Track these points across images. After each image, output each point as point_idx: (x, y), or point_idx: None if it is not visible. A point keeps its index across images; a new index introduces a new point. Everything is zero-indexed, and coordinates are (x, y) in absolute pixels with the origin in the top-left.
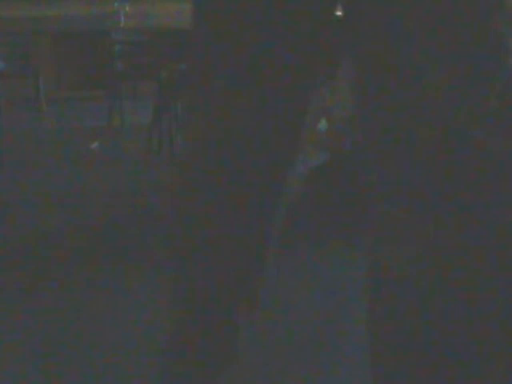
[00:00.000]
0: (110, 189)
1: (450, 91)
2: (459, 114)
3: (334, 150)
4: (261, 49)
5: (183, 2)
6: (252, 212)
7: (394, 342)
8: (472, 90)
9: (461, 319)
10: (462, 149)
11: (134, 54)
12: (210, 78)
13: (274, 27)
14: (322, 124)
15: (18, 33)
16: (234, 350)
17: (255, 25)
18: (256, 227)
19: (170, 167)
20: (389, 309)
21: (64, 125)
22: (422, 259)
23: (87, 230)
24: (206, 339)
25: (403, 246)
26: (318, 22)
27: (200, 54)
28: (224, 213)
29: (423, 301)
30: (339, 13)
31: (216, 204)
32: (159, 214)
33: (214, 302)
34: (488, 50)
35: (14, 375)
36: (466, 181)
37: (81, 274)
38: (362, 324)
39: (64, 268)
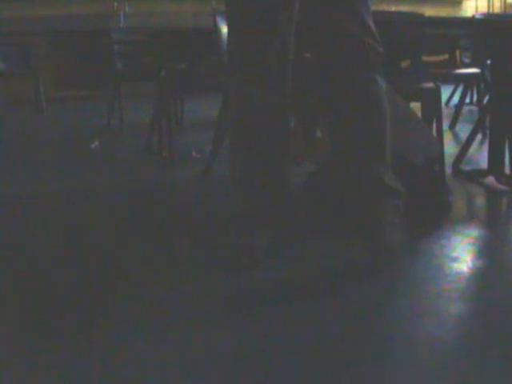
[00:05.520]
0: (110, 189)
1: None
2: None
3: (328, 156)
4: None
5: (183, 2)
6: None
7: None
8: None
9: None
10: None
11: (134, 54)
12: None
13: None
14: (318, 133)
15: (18, 33)
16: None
17: None
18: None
19: (170, 167)
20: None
21: (64, 125)
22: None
23: (86, 230)
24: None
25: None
26: None
27: None
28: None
29: None
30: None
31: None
32: (159, 213)
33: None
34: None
35: None
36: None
37: (79, 274)
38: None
39: (63, 268)
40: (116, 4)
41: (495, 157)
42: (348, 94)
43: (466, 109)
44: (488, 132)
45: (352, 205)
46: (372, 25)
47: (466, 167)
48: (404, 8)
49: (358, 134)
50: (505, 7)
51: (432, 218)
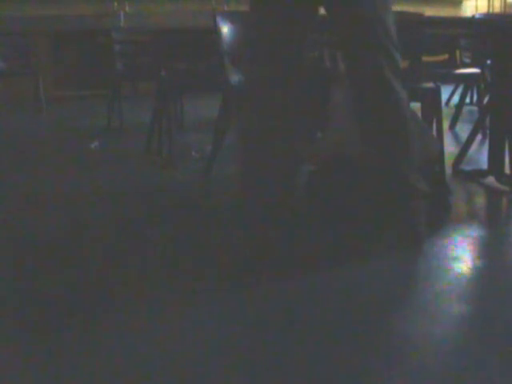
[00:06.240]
0: (110, 189)
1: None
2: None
3: (328, 157)
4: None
5: (183, 2)
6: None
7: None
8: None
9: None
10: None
11: (134, 54)
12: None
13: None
14: (319, 135)
15: (18, 33)
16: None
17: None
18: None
19: (170, 167)
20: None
21: (64, 125)
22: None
23: (86, 230)
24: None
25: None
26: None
27: None
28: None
29: None
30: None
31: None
32: (159, 213)
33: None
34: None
35: None
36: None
37: (79, 274)
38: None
39: (63, 269)
40: (116, 4)
41: (495, 157)
42: (371, 96)
43: (466, 109)
44: (488, 132)
45: (371, 204)
46: (392, 28)
47: (466, 167)
48: (404, 8)
49: (384, 136)
50: (505, 7)
51: (432, 217)
